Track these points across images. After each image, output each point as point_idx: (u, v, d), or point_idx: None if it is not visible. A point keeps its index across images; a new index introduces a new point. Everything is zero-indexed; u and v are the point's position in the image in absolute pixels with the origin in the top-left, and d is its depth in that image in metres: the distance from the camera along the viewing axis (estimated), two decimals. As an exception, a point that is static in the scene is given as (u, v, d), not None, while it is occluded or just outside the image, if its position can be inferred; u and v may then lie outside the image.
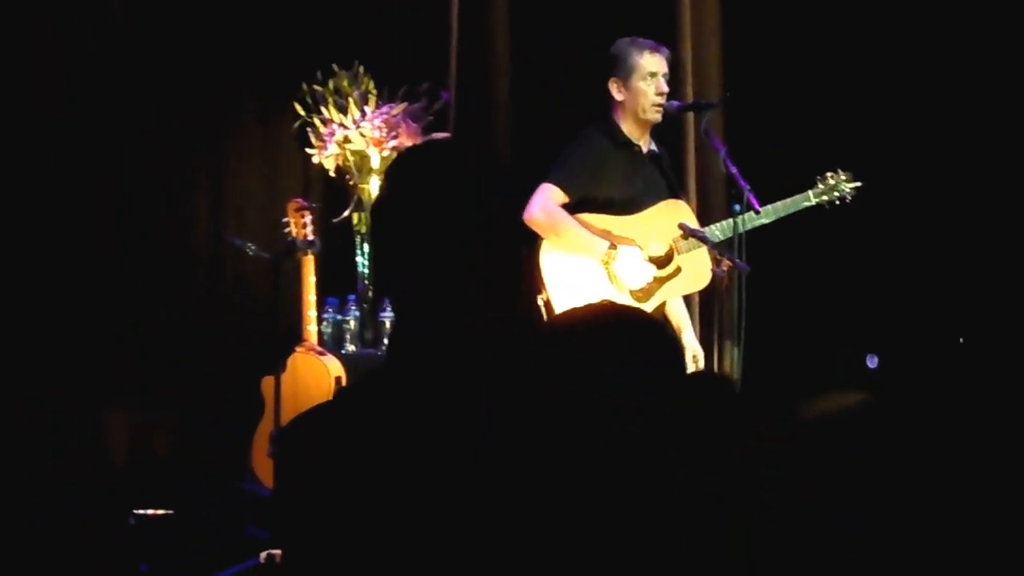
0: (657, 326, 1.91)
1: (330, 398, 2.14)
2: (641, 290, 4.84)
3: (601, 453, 1.71)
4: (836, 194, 5.00)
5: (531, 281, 4.80)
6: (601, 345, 1.80)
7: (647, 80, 4.87)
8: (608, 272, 4.81)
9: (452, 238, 1.81)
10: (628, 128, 4.93)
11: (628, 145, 4.93)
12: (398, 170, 1.91)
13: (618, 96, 4.92)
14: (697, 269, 4.88)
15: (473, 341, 1.81)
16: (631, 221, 4.86)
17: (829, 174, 5.01)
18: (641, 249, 4.83)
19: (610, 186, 4.86)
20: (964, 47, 5.81)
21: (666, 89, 4.90)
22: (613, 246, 4.77)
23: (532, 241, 4.80)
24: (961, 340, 5.75)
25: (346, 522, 1.73)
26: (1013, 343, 5.64)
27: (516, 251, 1.89)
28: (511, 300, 1.86)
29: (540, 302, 4.81)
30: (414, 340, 1.82)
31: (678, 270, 4.89)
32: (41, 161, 5.51)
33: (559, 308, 4.77)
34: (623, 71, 4.90)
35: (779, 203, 4.91)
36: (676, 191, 5.05)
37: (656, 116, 4.90)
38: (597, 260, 4.78)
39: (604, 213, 4.85)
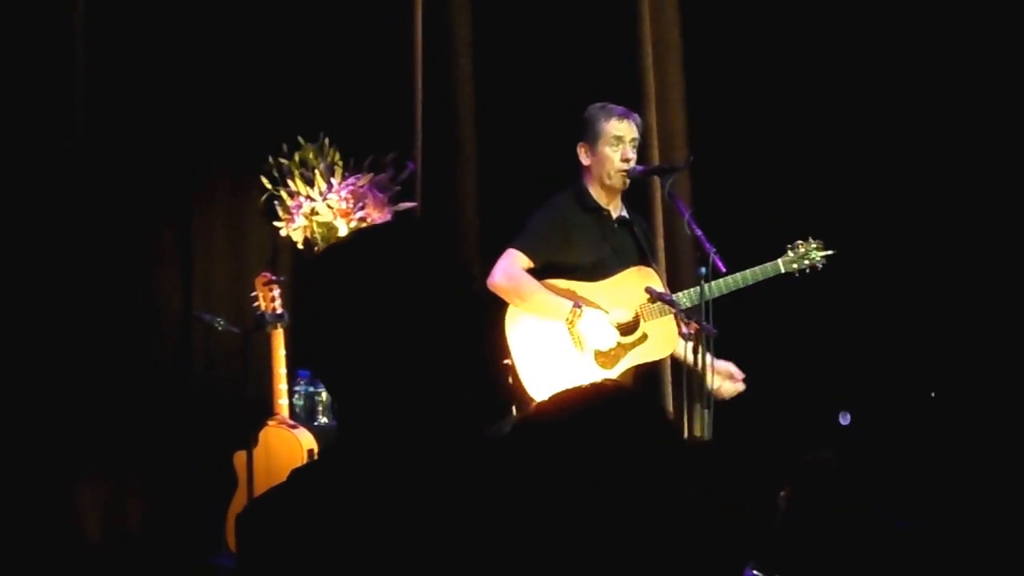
0: (646, 401, 1.89)
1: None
2: (606, 355, 4.83)
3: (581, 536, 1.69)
4: (806, 262, 4.93)
5: (497, 347, 4.79)
6: (591, 429, 1.78)
7: (613, 146, 4.88)
8: (573, 335, 4.80)
9: (412, 316, 1.79)
10: (596, 193, 4.94)
11: (597, 210, 4.93)
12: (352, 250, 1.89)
13: (585, 161, 4.93)
14: (664, 336, 4.87)
15: (431, 416, 1.79)
16: (598, 287, 4.86)
17: (800, 242, 4.95)
18: (606, 312, 4.83)
19: (577, 251, 4.86)
20: (930, 114, 5.86)
21: (632, 155, 4.88)
22: (578, 305, 4.75)
23: (499, 308, 4.80)
24: (933, 394, 5.76)
25: None
26: (983, 395, 5.66)
27: (482, 320, 1.88)
28: (479, 370, 1.85)
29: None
30: (366, 416, 1.80)
31: (644, 337, 4.87)
32: (9, 236, 5.49)
33: (524, 373, 4.77)
34: (591, 136, 4.91)
35: (748, 271, 4.86)
36: (647, 257, 5.01)
37: (621, 181, 4.91)
38: (562, 322, 4.78)
39: (571, 278, 4.84)
